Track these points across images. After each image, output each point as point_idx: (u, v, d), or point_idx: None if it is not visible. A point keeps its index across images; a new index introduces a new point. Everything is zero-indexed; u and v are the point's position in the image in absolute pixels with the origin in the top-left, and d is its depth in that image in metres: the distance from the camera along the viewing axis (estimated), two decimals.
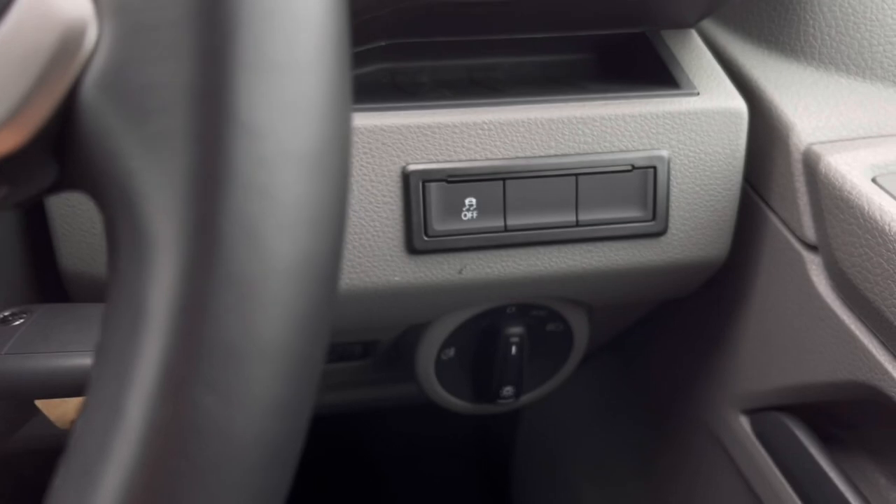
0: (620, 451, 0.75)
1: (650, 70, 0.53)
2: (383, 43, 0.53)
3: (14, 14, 0.18)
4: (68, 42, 0.18)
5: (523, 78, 0.57)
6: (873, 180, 0.46)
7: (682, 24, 0.55)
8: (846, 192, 0.45)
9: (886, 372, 0.43)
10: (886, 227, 0.43)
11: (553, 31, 0.55)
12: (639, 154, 0.49)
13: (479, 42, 0.56)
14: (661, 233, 0.50)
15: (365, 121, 0.47)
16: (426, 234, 0.48)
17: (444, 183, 0.48)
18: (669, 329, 0.64)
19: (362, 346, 0.61)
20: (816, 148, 0.49)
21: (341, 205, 0.19)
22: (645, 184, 0.50)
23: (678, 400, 0.63)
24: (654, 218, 0.50)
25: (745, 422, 0.55)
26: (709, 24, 0.59)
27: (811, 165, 0.48)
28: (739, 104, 0.50)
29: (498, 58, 0.57)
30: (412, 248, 0.48)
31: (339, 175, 0.19)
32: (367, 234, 0.48)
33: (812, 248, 0.49)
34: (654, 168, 0.49)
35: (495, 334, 0.57)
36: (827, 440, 0.51)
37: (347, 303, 0.50)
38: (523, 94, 0.51)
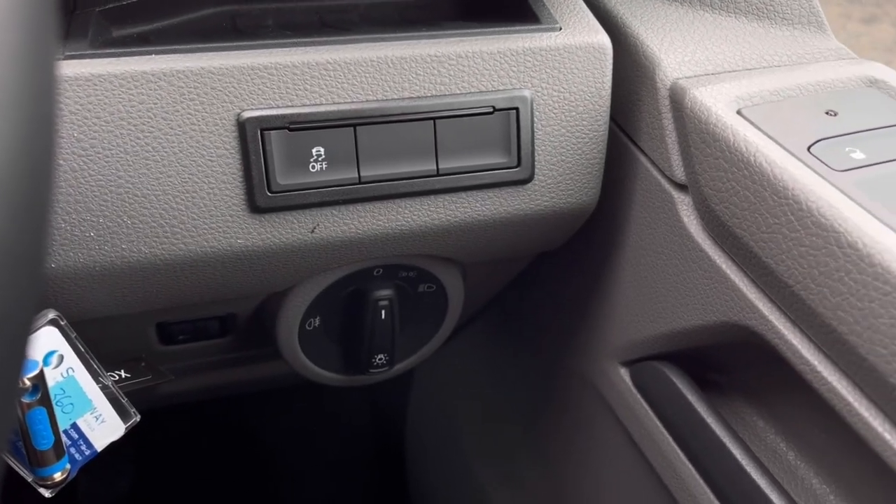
0: (508, 409, 0.72)
1: (513, 5, 0.50)
2: None
3: None
4: None
5: (379, 20, 0.52)
6: (738, 112, 0.44)
7: None
8: (712, 126, 0.43)
9: (757, 310, 0.41)
10: (752, 159, 0.41)
11: None
12: (500, 95, 0.46)
13: None
14: (527, 180, 0.47)
15: (190, 62, 0.41)
16: (269, 190, 0.43)
17: (286, 131, 0.43)
18: (546, 283, 0.62)
19: (219, 320, 0.55)
20: (682, 82, 0.46)
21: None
22: (508, 127, 0.46)
23: (559, 354, 0.61)
24: (518, 164, 0.47)
25: (624, 373, 0.53)
26: None
27: (677, 101, 0.46)
28: (603, 39, 0.48)
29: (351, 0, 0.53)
30: (255, 207, 0.43)
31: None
32: (201, 193, 0.42)
33: (682, 187, 0.47)
34: (517, 109, 0.46)
35: (362, 299, 0.52)
36: (705, 386, 0.50)
37: (187, 271, 0.44)
38: (374, 33, 0.46)
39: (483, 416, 0.77)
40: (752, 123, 0.43)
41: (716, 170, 0.43)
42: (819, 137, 0.42)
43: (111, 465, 1.02)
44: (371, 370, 0.55)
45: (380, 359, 0.55)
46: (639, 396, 0.52)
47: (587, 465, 0.61)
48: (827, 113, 0.44)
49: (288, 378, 0.65)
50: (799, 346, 0.39)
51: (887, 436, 0.35)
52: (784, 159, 0.40)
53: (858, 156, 0.40)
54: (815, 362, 0.38)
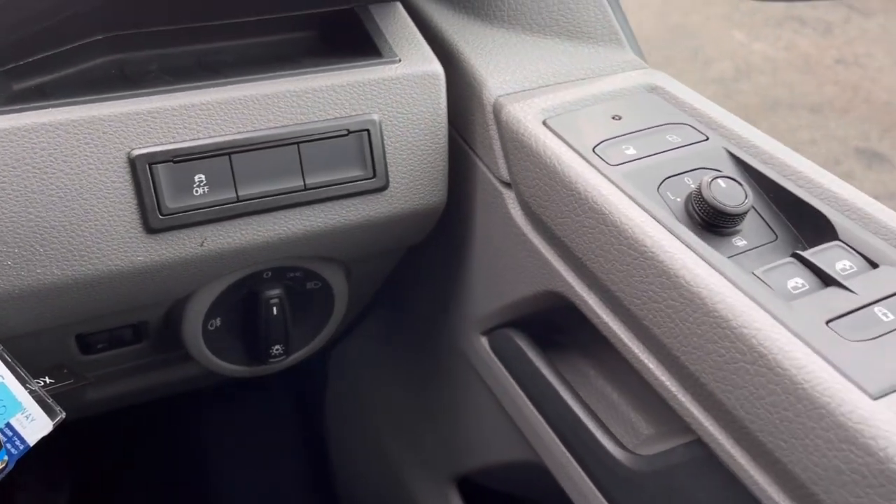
0: (405, 383, 0.82)
1: (360, 42, 0.59)
2: (100, 36, 0.55)
3: None
4: None
5: (251, 59, 0.61)
6: (544, 122, 0.55)
7: None
8: (521, 135, 0.54)
9: (564, 279, 0.52)
10: (548, 161, 0.51)
11: (270, 13, 0.59)
12: (352, 119, 0.55)
13: (205, 28, 0.59)
14: (383, 188, 0.57)
15: (84, 112, 0.49)
16: (161, 213, 0.51)
17: (171, 163, 0.51)
18: (419, 271, 0.72)
19: (132, 328, 0.63)
20: (502, 99, 0.57)
21: None
22: (361, 145, 0.56)
23: (436, 331, 0.71)
24: (374, 175, 0.56)
25: (484, 341, 0.63)
26: None
27: (498, 115, 0.56)
28: (436, 68, 0.57)
29: (225, 42, 0.61)
30: (150, 228, 0.51)
31: None
32: (103, 220, 0.50)
33: (507, 184, 0.57)
34: (368, 131, 0.55)
35: (255, 299, 0.61)
36: (550, 345, 0.60)
37: (96, 287, 0.52)
38: (244, 74, 0.55)
39: (386, 392, 0.87)
40: (553, 131, 0.54)
41: (527, 170, 0.54)
42: (602, 139, 0.52)
43: (46, 479, 1.07)
44: (270, 360, 0.64)
45: (277, 349, 0.64)
46: (496, 359, 0.62)
47: (466, 419, 0.71)
48: (613, 118, 0.55)
49: (208, 377, 0.73)
50: (594, 306, 0.50)
51: (651, 365, 0.46)
52: (572, 159, 0.51)
53: (630, 152, 0.51)
54: (605, 317, 0.49)
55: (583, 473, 0.53)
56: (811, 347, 0.38)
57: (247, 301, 0.62)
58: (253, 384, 0.79)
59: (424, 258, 0.69)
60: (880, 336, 0.38)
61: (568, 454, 0.55)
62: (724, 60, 4.14)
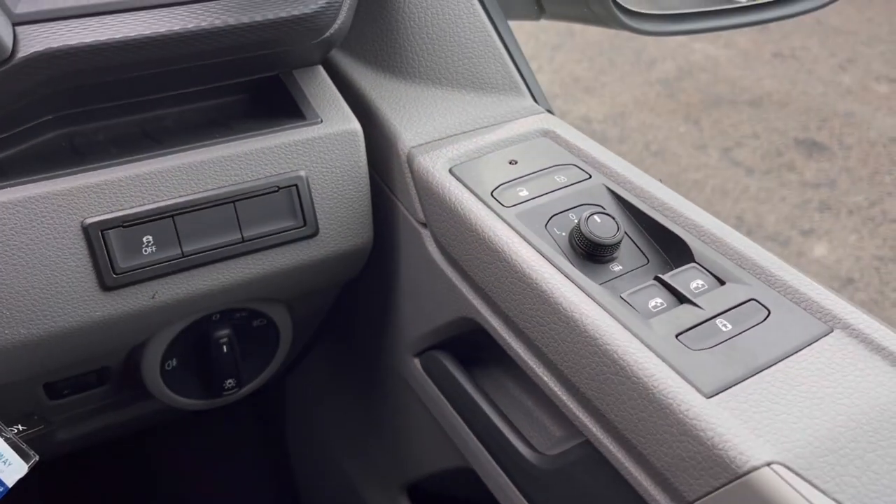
0: (354, 403, 0.89)
1: (286, 106, 0.66)
2: (50, 117, 0.62)
3: None
4: None
5: (189, 124, 0.68)
6: (450, 171, 0.62)
7: (308, 64, 0.68)
8: (431, 183, 0.62)
9: (474, 307, 0.60)
10: (454, 205, 0.59)
11: (205, 84, 0.66)
12: (281, 177, 0.62)
13: (146, 99, 0.66)
14: (313, 234, 0.64)
15: (40, 189, 0.55)
16: (114, 273, 0.58)
17: (120, 228, 0.58)
18: (357, 301, 0.79)
19: (95, 373, 0.69)
20: (414, 150, 0.64)
21: None
22: (291, 199, 0.63)
23: (376, 354, 0.78)
24: (305, 224, 0.64)
25: (416, 363, 0.71)
26: (336, 54, 0.73)
27: (411, 164, 0.64)
28: (355, 126, 0.65)
29: (165, 110, 0.68)
30: (105, 286, 0.58)
31: None
32: (62, 282, 0.57)
33: (424, 225, 0.65)
34: (296, 186, 0.63)
35: (206, 339, 0.68)
36: (475, 362, 0.68)
37: (59, 341, 0.59)
38: (183, 142, 0.62)
39: (338, 412, 0.94)
40: (457, 178, 0.61)
41: (437, 213, 0.61)
42: (499, 183, 0.60)
43: None
44: (224, 393, 0.71)
45: (229, 383, 0.71)
46: (427, 378, 0.69)
47: (408, 433, 0.78)
48: (510, 162, 0.63)
49: (169, 411, 0.80)
50: (498, 329, 0.58)
51: (545, 378, 0.54)
52: (473, 203, 0.58)
53: (523, 193, 0.59)
54: (507, 338, 0.57)
55: (503, 475, 0.61)
56: (661, 357, 0.46)
57: (199, 342, 0.68)
58: (216, 413, 0.86)
59: (360, 291, 0.76)
60: (718, 344, 0.47)
61: (491, 459, 0.62)
62: (666, 61, 4.29)
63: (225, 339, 0.68)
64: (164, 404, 0.74)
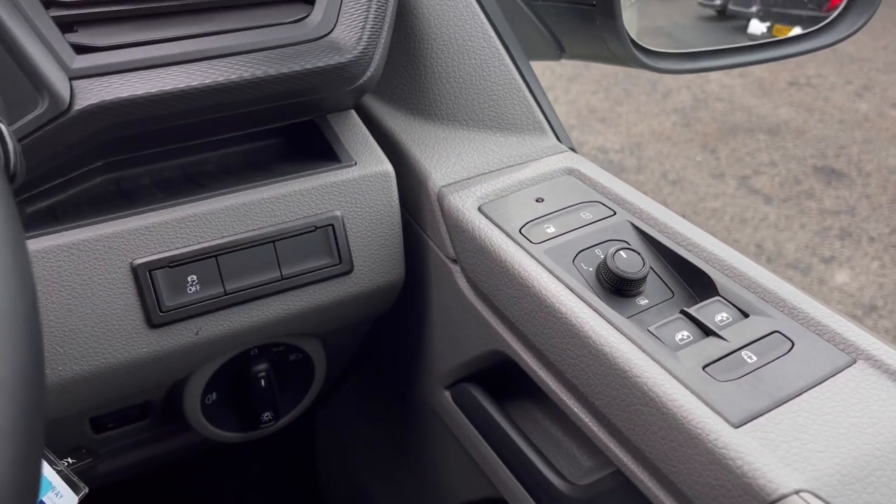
0: (385, 432, 0.91)
1: (321, 149, 0.70)
2: (100, 163, 0.65)
3: None
4: None
5: (229, 167, 0.71)
6: (479, 209, 0.65)
7: (341, 108, 0.71)
8: (461, 221, 0.64)
9: (505, 341, 0.62)
10: (484, 243, 0.62)
11: (243, 129, 0.70)
12: (318, 217, 0.65)
13: (189, 145, 0.69)
14: (348, 272, 0.67)
15: (92, 233, 0.59)
16: (161, 311, 0.60)
17: (167, 268, 0.61)
18: (388, 335, 0.81)
19: (138, 407, 0.72)
20: (444, 190, 0.67)
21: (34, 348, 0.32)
22: (328, 238, 0.66)
23: (407, 386, 0.80)
24: (340, 262, 0.66)
25: (447, 395, 0.73)
26: (367, 98, 0.77)
27: (441, 203, 0.67)
28: (387, 167, 0.68)
29: (206, 154, 0.71)
30: (152, 324, 0.61)
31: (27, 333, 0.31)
32: (112, 320, 0.59)
33: (454, 261, 0.67)
34: (332, 226, 0.65)
35: (245, 374, 0.71)
36: (506, 394, 0.70)
37: (108, 377, 0.61)
38: (225, 185, 0.65)
39: (368, 442, 0.96)
40: (486, 216, 0.64)
41: (467, 250, 0.64)
42: (526, 221, 0.63)
43: None
44: (262, 426, 0.73)
45: (267, 416, 0.73)
46: (458, 410, 0.71)
47: (438, 463, 0.80)
48: (536, 200, 0.65)
49: (207, 443, 0.82)
50: (529, 362, 0.60)
51: (576, 409, 0.55)
52: (502, 240, 0.61)
53: (551, 230, 0.62)
54: (538, 371, 0.59)
55: None
56: (689, 388, 0.47)
57: (238, 376, 0.71)
58: (247, 444, 0.88)
59: (392, 324, 0.79)
60: (744, 375, 0.48)
61: (521, 488, 0.64)
62: (682, 91, 4.32)
63: (263, 374, 0.71)
64: (200, 437, 0.76)
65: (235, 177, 0.68)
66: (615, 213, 0.63)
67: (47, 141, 0.56)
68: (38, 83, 0.54)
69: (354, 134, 0.71)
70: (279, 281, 0.64)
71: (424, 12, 0.74)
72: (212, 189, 0.64)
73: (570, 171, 0.69)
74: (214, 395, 0.71)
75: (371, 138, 0.71)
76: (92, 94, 0.56)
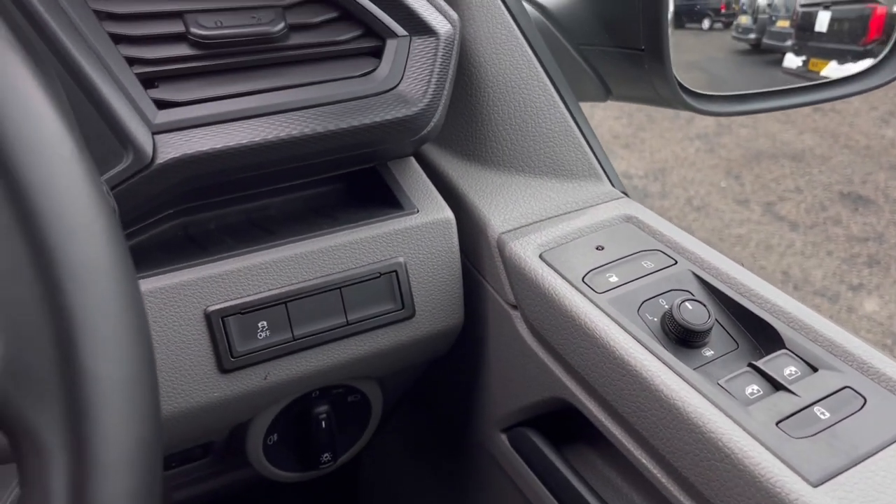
0: (431, 473, 0.92)
1: (383, 195, 0.71)
2: (171, 211, 0.67)
3: None
4: None
5: (291, 213, 0.73)
6: (540, 256, 0.66)
7: (402, 156, 0.73)
8: (522, 268, 0.65)
9: (568, 388, 0.63)
10: (547, 291, 0.63)
11: (308, 177, 0.71)
12: (382, 264, 0.67)
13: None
14: (410, 317, 0.68)
15: (168, 281, 0.60)
16: (232, 356, 0.62)
17: (239, 315, 0.62)
18: (442, 378, 0.82)
19: (201, 447, 0.73)
20: (504, 236, 0.68)
21: (154, 392, 0.34)
22: (391, 284, 0.67)
23: (461, 428, 0.81)
24: (403, 307, 0.68)
25: (504, 438, 0.73)
26: (426, 144, 0.78)
27: (502, 250, 0.68)
28: (448, 215, 0.69)
29: (270, 199, 0.73)
30: (223, 369, 0.62)
31: (152, 388, 0.33)
32: (185, 366, 0.61)
33: (514, 307, 0.68)
34: (396, 272, 0.67)
35: (307, 416, 0.72)
36: (562, 440, 0.70)
37: (180, 420, 0.63)
38: (291, 232, 0.66)
39: (415, 484, 0.96)
40: (548, 264, 0.65)
41: (529, 298, 0.65)
42: (589, 269, 0.64)
43: None
44: (321, 466, 0.74)
45: (326, 457, 0.74)
46: (515, 454, 0.72)
47: None
48: (597, 248, 0.66)
49: (262, 480, 0.83)
50: (594, 411, 0.60)
51: (643, 460, 0.56)
52: (566, 289, 0.62)
53: (613, 279, 0.63)
54: (603, 420, 0.59)
55: None
56: (765, 446, 0.48)
57: (299, 418, 0.72)
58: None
59: (448, 366, 0.80)
60: (819, 432, 0.49)
61: None
62: (705, 117, 4.32)
63: (324, 415, 0.72)
64: (253, 473, 0.77)
65: (299, 222, 0.70)
66: (676, 263, 0.64)
67: (130, 193, 0.58)
68: (123, 138, 0.56)
69: (414, 181, 0.72)
70: (345, 326, 0.66)
71: (481, 60, 0.76)
72: (278, 235, 0.66)
73: (629, 219, 0.70)
74: (276, 436, 0.72)
75: (431, 185, 0.72)
76: (173, 147, 0.58)
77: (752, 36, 1.47)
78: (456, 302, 0.70)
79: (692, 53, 1.27)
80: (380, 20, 0.65)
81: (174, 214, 0.68)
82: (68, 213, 0.32)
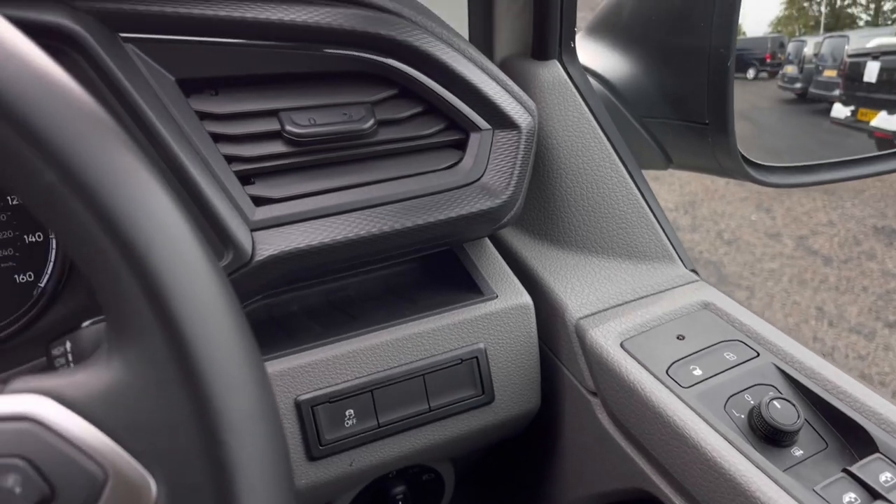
0: None
1: (459, 277, 0.72)
2: (260, 297, 0.69)
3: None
4: None
5: (369, 293, 0.74)
6: (621, 345, 0.67)
7: (478, 238, 0.74)
8: (604, 357, 0.66)
9: (652, 481, 0.63)
10: (630, 382, 0.63)
11: (387, 262, 0.73)
12: (464, 350, 0.68)
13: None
14: (489, 402, 0.69)
15: None
16: (321, 444, 0.63)
17: (327, 403, 0.63)
18: (514, 457, 0.83)
19: None
20: (582, 322, 0.69)
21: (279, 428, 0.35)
22: (472, 370, 0.68)
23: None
24: (483, 392, 0.69)
25: None
26: None
27: (581, 336, 0.69)
28: (527, 300, 0.70)
29: (347, 280, 0.75)
30: (311, 457, 0.63)
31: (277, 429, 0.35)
32: None
33: (594, 393, 0.69)
34: (476, 358, 0.68)
35: (385, 495, 0.73)
36: None
37: None
38: (373, 317, 0.68)
39: None
40: (630, 354, 0.66)
41: (611, 387, 0.66)
42: (672, 360, 0.64)
43: None
44: None
45: None
46: None
47: None
48: (677, 337, 0.67)
49: None
50: (675, 501, 0.61)
51: None
52: (650, 382, 0.63)
53: (697, 373, 0.63)
54: None
55: None
56: None
57: (376, 497, 0.73)
58: None
59: (520, 446, 0.80)
60: None
61: None
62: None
63: (400, 496, 0.73)
64: None
65: (379, 304, 0.71)
66: (758, 355, 0.65)
67: None
68: (224, 236, 0.58)
69: (490, 262, 0.73)
70: (427, 412, 0.67)
71: (554, 142, 0.77)
72: (361, 321, 0.67)
73: (706, 305, 0.71)
74: None
75: (507, 268, 0.73)
76: (271, 245, 0.59)
77: (799, 85, 1.47)
78: (533, 386, 0.71)
79: (738, 103, 1.28)
80: (463, 114, 0.67)
81: (259, 298, 0.70)
82: (228, 370, 0.34)
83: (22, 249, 0.61)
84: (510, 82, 0.69)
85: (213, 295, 0.35)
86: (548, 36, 0.80)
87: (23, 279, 0.61)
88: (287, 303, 0.72)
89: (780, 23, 1.42)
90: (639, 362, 0.65)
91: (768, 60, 1.24)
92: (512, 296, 0.70)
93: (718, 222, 3.68)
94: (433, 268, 0.76)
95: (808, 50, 1.27)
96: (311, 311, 0.72)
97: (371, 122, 0.64)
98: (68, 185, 0.32)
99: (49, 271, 0.62)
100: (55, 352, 0.48)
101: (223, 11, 0.59)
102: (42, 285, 0.61)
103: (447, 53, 0.66)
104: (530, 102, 0.69)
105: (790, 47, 1.40)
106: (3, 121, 0.31)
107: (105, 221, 0.33)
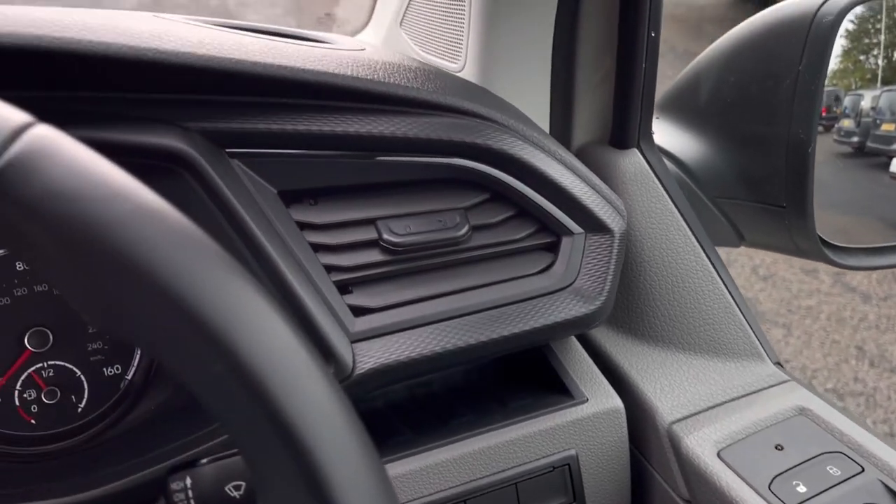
0: None
1: (548, 378, 0.72)
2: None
3: None
4: None
5: (452, 387, 0.74)
6: (718, 454, 0.65)
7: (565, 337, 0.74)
8: (700, 467, 0.65)
9: None
10: (730, 496, 0.62)
11: (475, 362, 0.72)
12: (555, 457, 0.67)
13: None
14: None
15: None
16: None
17: None
18: None
19: None
20: (675, 427, 0.68)
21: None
22: (564, 477, 0.67)
23: None
24: (574, 499, 0.67)
25: None
26: None
27: (675, 443, 0.68)
28: (617, 403, 0.69)
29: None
30: None
31: None
32: None
33: (688, 502, 0.67)
34: (568, 465, 0.67)
35: None
36: None
37: None
38: (462, 421, 0.67)
39: None
40: (728, 465, 0.64)
41: (707, 497, 0.64)
42: (774, 474, 0.63)
43: None
44: None
45: None
46: None
47: None
48: (776, 447, 0.66)
49: None
50: None
51: None
52: (753, 499, 0.61)
53: (801, 489, 0.62)
54: None
55: None
56: None
57: None
58: None
59: None
60: None
61: None
62: None
63: None
64: None
65: (463, 402, 0.70)
66: (863, 470, 0.63)
67: None
68: (326, 349, 0.57)
69: (578, 362, 0.73)
70: None
71: (637, 235, 0.76)
72: (449, 424, 0.66)
73: (802, 411, 0.69)
74: None
75: (595, 369, 0.72)
76: (371, 358, 0.59)
77: (856, 139, 1.45)
78: (623, 491, 0.70)
79: None
80: (555, 218, 0.66)
81: None
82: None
83: (111, 342, 0.61)
84: (600, 183, 0.68)
85: (358, 461, 0.34)
86: (628, 124, 0.79)
87: (110, 372, 0.62)
88: (372, 399, 0.72)
89: (835, 76, 1.41)
90: (738, 476, 0.63)
91: (824, 114, 1.22)
92: (603, 399, 0.69)
93: (753, 258, 3.64)
94: (518, 363, 0.75)
95: (865, 103, 1.26)
96: (396, 408, 0.71)
97: (466, 228, 0.63)
98: (236, 377, 0.32)
99: (135, 364, 0.62)
100: (174, 486, 0.48)
101: (326, 127, 0.59)
102: (129, 377, 0.61)
103: (537, 157, 0.65)
104: (621, 206, 0.69)
105: (846, 101, 1.38)
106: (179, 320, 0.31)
107: (271, 415, 0.32)
